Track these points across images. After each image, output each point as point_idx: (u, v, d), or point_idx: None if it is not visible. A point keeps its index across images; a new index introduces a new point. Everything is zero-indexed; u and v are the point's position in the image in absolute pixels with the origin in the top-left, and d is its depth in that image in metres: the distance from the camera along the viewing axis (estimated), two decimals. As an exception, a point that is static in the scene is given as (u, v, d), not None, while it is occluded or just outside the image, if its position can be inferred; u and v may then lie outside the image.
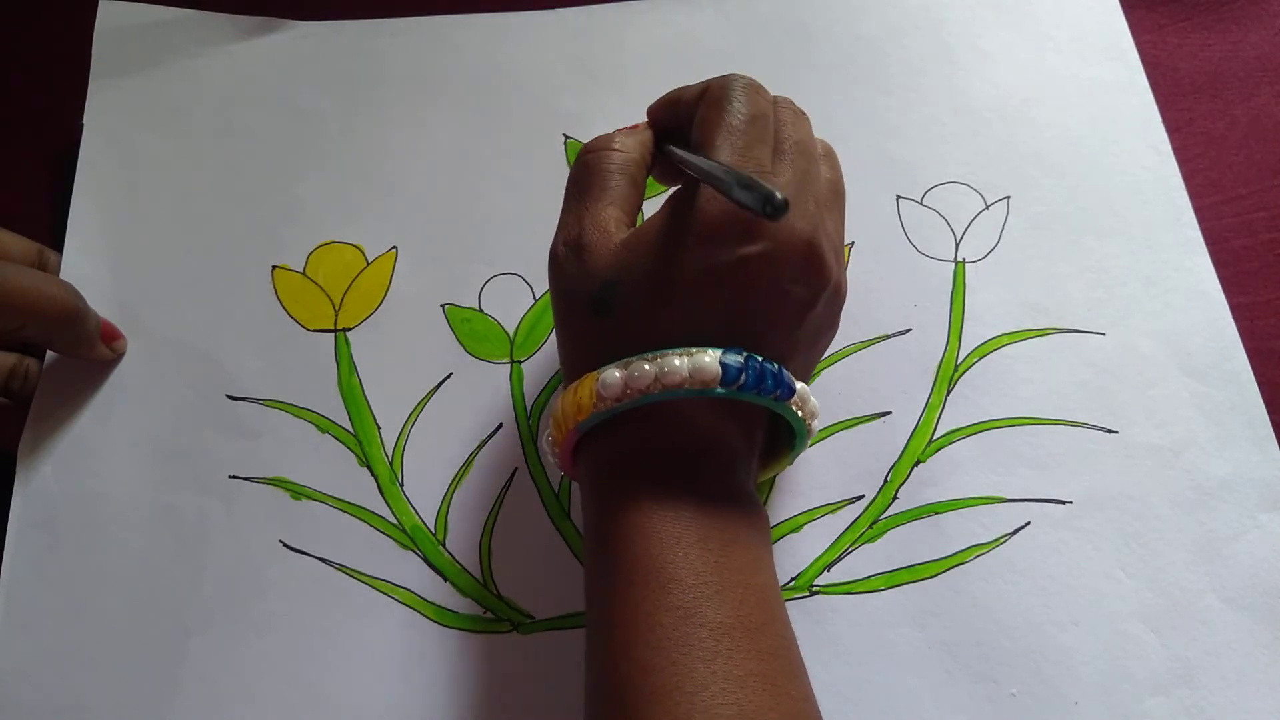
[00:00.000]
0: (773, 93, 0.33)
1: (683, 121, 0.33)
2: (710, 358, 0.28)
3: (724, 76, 0.32)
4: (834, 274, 0.30)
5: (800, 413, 0.30)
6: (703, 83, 0.33)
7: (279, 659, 0.36)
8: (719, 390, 0.28)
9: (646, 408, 0.29)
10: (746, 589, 0.27)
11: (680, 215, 0.29)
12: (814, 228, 0.29)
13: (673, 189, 0.33)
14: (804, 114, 0.33)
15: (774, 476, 0.38)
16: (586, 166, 0.32)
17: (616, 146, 0.32)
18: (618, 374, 0.28)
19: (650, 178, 0.34)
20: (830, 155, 0.34)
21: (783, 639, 0.28)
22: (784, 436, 0.32)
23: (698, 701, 0.24)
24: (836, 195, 0.33)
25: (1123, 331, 0.40)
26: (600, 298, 0.30)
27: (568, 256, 0.31)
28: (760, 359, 0.28)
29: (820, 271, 0.30)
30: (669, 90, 0.34)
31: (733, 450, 0.30)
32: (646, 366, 0.28)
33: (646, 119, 0.35)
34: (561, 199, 0.33)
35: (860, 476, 0.38)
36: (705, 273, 0.28)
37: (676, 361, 0.28)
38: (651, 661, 0.25)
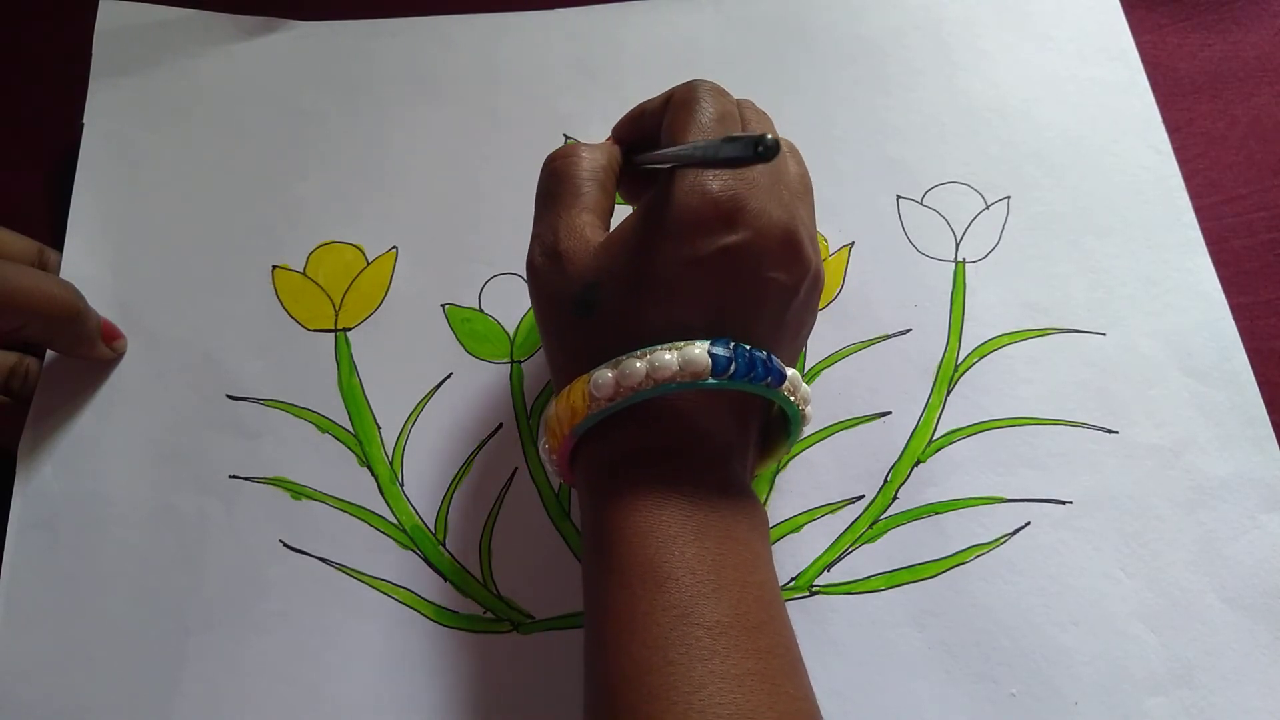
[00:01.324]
0: (771, 92, 0.33)
1: (649, 133, 0.33)
2: (699, 349, 0.28)
3: (687, 82, 0.32)
4: (813, 261, 0.31)
5: (793, 398, 0.30)
6: (666, 92, 0.33)
7: (279, 659, 0.36)
8: (711, 381, 0.28)
9: (639, 406, 0.29)
10: (744, 587, 0.27)
11: (656, 211, 0.29)
12: (790, 216, 0.30)
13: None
14: (766, 114, 0.33)
15: (774, 476, 0.38)
16: (555, 174, 0.32)
17: (584, 153, 0.33)
18: (609, 374, 0.28)
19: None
20: (795, 152, 0.34)
21: (781, 637, 0.28)
22: (779, 427, 0.33)
23: (695, 701, 0.24)
24: (806, 189, 0.33)
25: (1123, 331, 0.40)
26: (582, 299, 0.30)
27: (545, 264, 0.31)
28: (748, 348, 0.29)
29: (800, 258, 0.30)
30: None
31: (728, 445, 0.30)
32: (637, 364, 0.28)
33: (611, 137, 0.35)
34: None
35: (860, 476, 0.38)
36: (686, 264, 0.29)
37: (666, 356, 0.28)
38: (649, 661, 0.25)
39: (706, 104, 0.31)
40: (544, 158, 0.33)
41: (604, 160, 0.33)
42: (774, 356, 0.29)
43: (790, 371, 0.30)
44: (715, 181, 0.29)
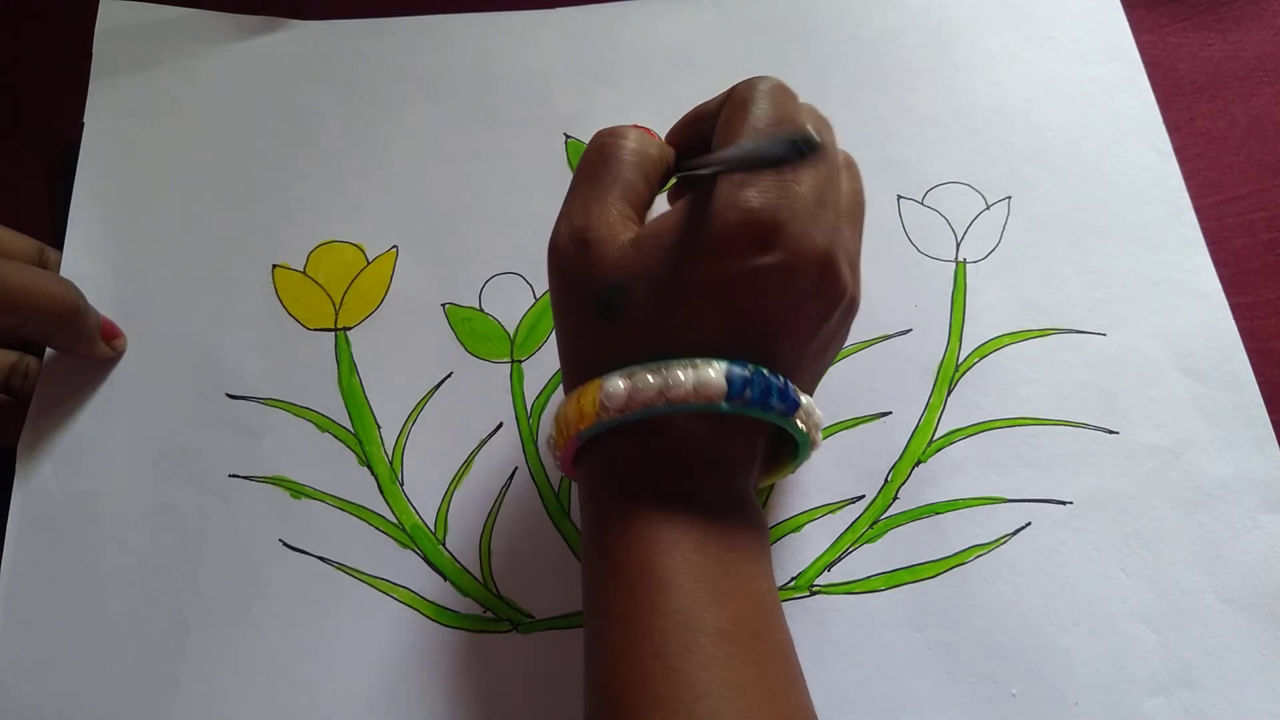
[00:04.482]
0: None
1: (705, 136, 0.31)
2: (715, 371, 0.27)
3: (750, 79, 0.31)
4: (849, 288, 0.30)
5: (804, 426, 0.29)
6: (726, 91, 0.31)
7: (278, 658, 0.36)
8: (723, 405, 0.27)
9: (649, 418, 0.28)
10: (745, 595, 0.27)
11: (694, 221, 0.28)
12: (831, 242, 0.28)
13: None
14: (828, 121, 0.32)
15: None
16: (601, 151, 0.31)
17: (634, 138, 0.31)
18: (622, 385, 0.27)
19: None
20: (852, 166, 0.33)
21: (780, 646, 0.28)
22: (787, 445, 0.32)
23: (698, 709, 0.24)
24: (857, 207, 0.32)
25: (1123, 332, 0.40)
26: (606, 300, 0.29)
27: (571, 249, 0.30)
28: (766, 372, 0.28)
29: (836, 286, 0.29)
30: (671, 93, 0.34)
31: (734, 460, 0.30)
32: (651, 379, 0.27)
33: (666, 141, 0.34)
34: (562, 199, 0.32)
35: (860, 476, 0.38)
36: (716, 283, 0.28)
37: (681, 375, 0.27)
38: (650, 667, 0.25)
39: (763, 106, 0.29)
40: (545, 157, 0.32)
41: (654, 151, 0.31)
42: (791, 384, 0.29)
43: (804, 399, 0.29)
44: (756, 197, 0.27)
